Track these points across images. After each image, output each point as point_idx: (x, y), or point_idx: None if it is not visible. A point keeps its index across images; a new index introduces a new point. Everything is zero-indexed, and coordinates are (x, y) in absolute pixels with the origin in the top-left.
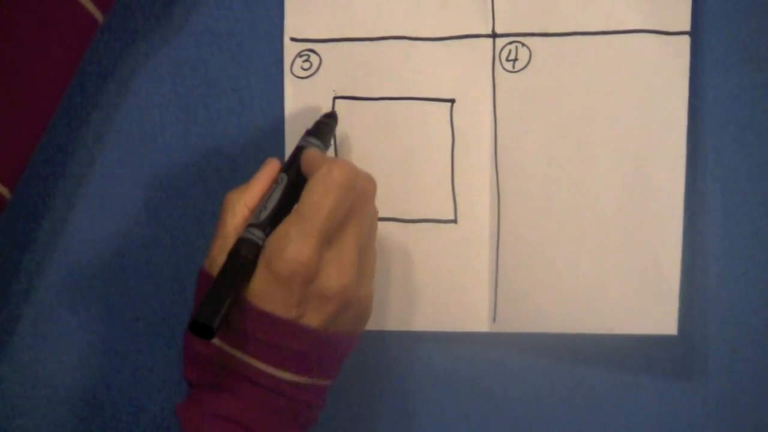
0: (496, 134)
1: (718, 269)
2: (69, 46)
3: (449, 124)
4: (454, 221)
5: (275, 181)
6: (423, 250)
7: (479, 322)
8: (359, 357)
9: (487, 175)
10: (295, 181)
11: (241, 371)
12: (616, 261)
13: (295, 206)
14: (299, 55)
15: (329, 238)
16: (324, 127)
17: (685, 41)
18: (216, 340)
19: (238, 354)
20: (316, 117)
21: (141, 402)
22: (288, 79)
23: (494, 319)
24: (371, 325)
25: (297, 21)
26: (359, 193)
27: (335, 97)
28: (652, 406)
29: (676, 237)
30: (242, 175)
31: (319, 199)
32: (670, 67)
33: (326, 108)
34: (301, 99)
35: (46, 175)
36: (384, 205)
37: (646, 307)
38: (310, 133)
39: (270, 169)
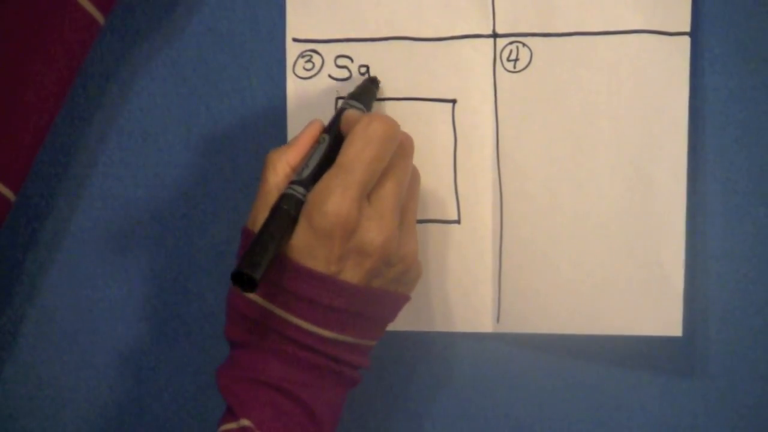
0: (498, 134)
1: (718, 269)
2: (70, 48)
3: (451, 125)
4: (458, 222)
5: (317, 141)
6: (427, 251)
7: (483, 323)
8: None
9: (489, 176)
10: (336, 141)
11: (282, 330)
12: (618, 261)
13: (336, 160)
14: (301, 55)
15: (369, 192)
16: (365, 91)
17: (685, 42)
18: (257, 298)
19: (279, 311)
20: (319, 117)
21: (144, 403)
22: (290, 79)
23: (498, 320)
24: None
25: (299, 21)
26: (398, 147)
27: (338, 98)
28: (655, 407)
29: (678, 238)
30: (244, 176)
31: (359, 151)
32: (670, 67)
33: (329, 108)
34: (303, 99)
35: (49, 175)
36: None
37: (650, 308)
38: (351, 96)
39: (312, 129)
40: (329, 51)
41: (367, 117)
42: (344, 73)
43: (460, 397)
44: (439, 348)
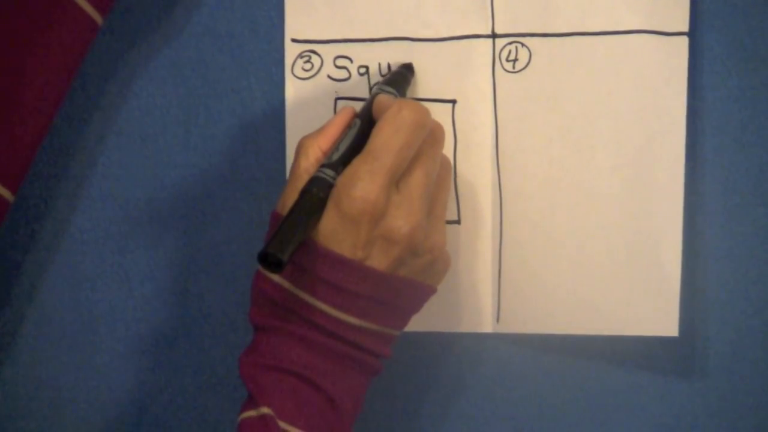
0: (497, 135)
1: (717, 270)
2: (69, 49)
3: (451, 125)
4: (458, 222)
5: (349, 126)
6: None
7: (483, 323)
8: None
9: (489, 176)
10: (368, 126)
11: (306, 315)
12: (617, 262)
13: (365, 146)
14: (300, 56)
15: (397, 179)
16: (399, 77)
17: (684, 42)
18: (284, 281)
19: (304, 295)
20: (318, 118)
21: (143, 403)
22: (289, 80)
23: (498, 320)
24: None
25: (297, 22)
26: (428, 135)
27: (337, 98)
28: (653, 407)
29: (676, 238)
30: (244, 176)
31: (388, 138)
32: (669, 67)
33: (328, 108)
34: (302, 100)
35: (48, 176)
36: None
37: (647, 308)
38: (385, 82)
39: (344, 114)
40: (328, 51)
41: (398, 104)
42: (343, 74)
43: (459, 398)
44: (439, 348)
